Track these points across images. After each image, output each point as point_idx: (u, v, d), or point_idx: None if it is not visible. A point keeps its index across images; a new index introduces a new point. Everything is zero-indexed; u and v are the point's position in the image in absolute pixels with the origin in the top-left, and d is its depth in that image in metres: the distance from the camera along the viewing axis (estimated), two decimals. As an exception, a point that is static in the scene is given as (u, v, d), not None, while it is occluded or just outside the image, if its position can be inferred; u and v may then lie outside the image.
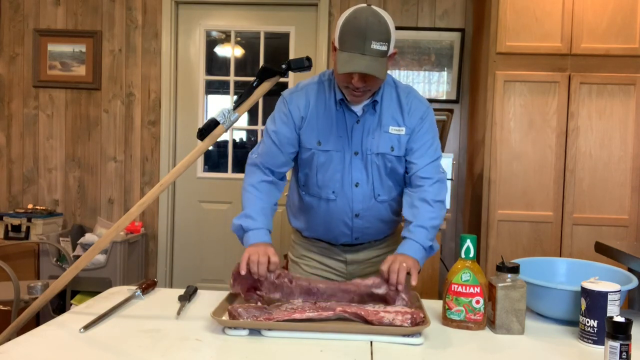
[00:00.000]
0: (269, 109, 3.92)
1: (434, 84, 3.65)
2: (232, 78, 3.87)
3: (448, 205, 1.86)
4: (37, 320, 2.99)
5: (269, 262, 1.45)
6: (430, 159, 1.64)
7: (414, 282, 1.42)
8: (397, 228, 1.82)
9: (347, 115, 1.63)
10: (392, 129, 1.63)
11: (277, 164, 1.69)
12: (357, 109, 1.63)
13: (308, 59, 1.56)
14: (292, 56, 3.78)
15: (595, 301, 1.22)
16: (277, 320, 1.23)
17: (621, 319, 1.05)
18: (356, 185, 1.64)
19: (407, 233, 1.56)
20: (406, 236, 1.56)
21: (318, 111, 1.64)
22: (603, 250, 1.82)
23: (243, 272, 1.42)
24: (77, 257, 3.40)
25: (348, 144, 1.62)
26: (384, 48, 1.47)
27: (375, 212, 1.68)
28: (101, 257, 3.41)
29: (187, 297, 1.49)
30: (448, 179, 1.78)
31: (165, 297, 1.54)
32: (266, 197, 1.66)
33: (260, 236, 1.56)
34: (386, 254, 1.73)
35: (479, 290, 1.30)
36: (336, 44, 1.51)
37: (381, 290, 1.41)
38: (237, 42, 3.92)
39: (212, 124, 1.49)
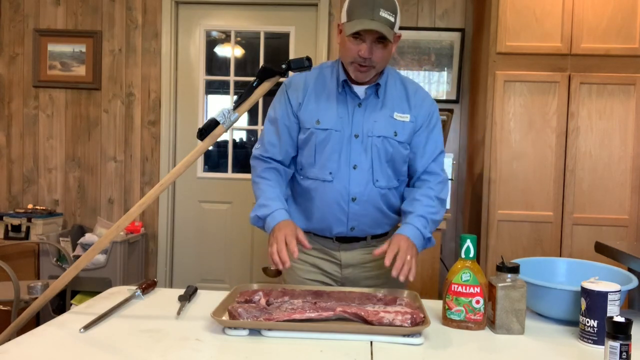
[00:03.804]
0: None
1: (433, 84, 3.65)
2: (232, 78, 3.87)
3: (448, 205, 1.85)
4: (37, 320, 2.99)
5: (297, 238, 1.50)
6: (436, 155, 1.68)
7: (411, 278, 1.44)
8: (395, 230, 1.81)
9: (349, 98, 1.64)
10: (397, 115, 1.64)
11: (277, 151, 1.70)
12: (360, 91, 1.64)
13: (308, 59, 1.57)
14: (292, 56, 3.77)
15: (595, 301, 1.22)
16: (277, 320, 1.23)
17: (621, 319, 1.05)
18: (354, 168, 1.62)
19: (406, 219, 1.57)
20: (407, 222, 1.56)
21: (317, 92, 1.66)
22: (603, 250, 1.82)
23: (278, 267, 1.48)
24: (77, 257, 3.40)
25: (349, 126, 1.62)
26: (392, 19, 1.52)
27: (373, 199, 1.64)
28: (101, 257, 3.41)
29: (187, 297, 1.49)
30: (448, 179, 1.77)
31: (165, 297, 1.54)
32: (275, 183, 1.67)
33: (280, 216, 1.57)
34: (383, 260, 1.72)
35: (479, 290, 1.30)
36: (343, 20, 1.55)
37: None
38: (237, 42, 3.92)
39: (212, 124, 1.48)
